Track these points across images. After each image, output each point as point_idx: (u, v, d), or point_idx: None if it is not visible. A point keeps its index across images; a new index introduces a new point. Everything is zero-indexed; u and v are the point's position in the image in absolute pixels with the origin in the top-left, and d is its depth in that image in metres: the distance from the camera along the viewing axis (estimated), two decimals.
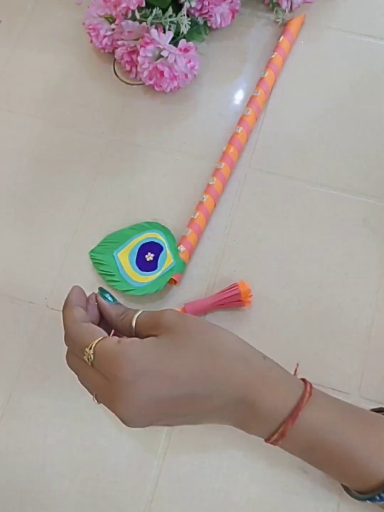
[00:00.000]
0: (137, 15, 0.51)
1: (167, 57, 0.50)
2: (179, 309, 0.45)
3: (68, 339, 0.36)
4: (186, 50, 0.51)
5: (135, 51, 0.53)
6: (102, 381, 0.33)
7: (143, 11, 0.52)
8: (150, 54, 0.51)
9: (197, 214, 0.49)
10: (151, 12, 0.51)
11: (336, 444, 0.33)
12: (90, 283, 0.48)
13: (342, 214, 0.49)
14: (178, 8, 0.52)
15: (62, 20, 0.60)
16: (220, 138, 0.52)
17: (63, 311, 0.37)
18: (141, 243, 0.48)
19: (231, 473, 0.42)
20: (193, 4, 0.52)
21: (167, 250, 0.47)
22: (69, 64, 0.58)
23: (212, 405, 0.34)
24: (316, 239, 0.48)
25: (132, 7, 0.50)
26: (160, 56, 0.51)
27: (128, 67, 0.55)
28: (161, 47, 0.50)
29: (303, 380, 0.36)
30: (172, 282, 0.47)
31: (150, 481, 0.42)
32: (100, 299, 0.38)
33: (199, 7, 0.53)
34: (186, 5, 0.52)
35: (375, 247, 0.48)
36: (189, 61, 0.51)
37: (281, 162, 0.52)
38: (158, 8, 0.51)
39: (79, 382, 0.36)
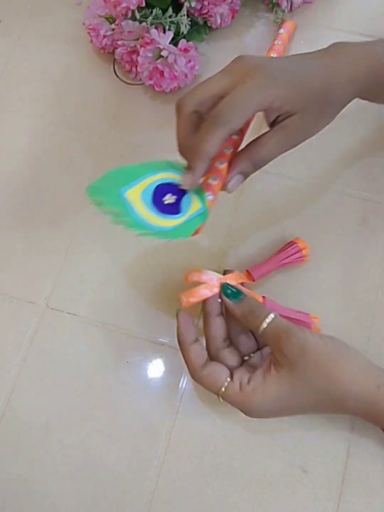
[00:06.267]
0: (137, 15, 0.51)
1: (167, 57, 0.50)
2: (243, 274, 0.44)
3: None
4: (186, 50, 0.51)
5: (135, 51, 0.53)
6: None
7: (143, 11, 0.52)
8: (150, 54, 0.51)
9: (225, 164, 0.41)
10: (151, 12, 0.51)
11: None
12: (90, 284, 0.48)
13: (342, 214, 0.49)
14: (178, 8, 0.52)
15: (62, 20, 0.60)
16: None
17: (181, 352, 0.39)
18: (157, 183, 0.39)
19: (231, 473, 0.42)
20: (193, 4, 0.52)
21: (192, 193, 0.39)
22: (69, 64, 0.58)
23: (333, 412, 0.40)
24: (316, 239, 0.48)
25: (132, 7, 0.50)
26: (160, 56, 0.51)
27: (128, 67, 0.55)
28: (161, 47, 0.50)
29: None
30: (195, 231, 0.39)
31: (150, 481, 0.42)
32: (225, 299, 0.40)
33: (199, 7, 0.53)
34: (186, 5, 0.52)
35: (375, 247, 0.48)
36: (189, 61, 0.51)
37: (281, 162, 0.52)
38: (158, 8, 0.51)
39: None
